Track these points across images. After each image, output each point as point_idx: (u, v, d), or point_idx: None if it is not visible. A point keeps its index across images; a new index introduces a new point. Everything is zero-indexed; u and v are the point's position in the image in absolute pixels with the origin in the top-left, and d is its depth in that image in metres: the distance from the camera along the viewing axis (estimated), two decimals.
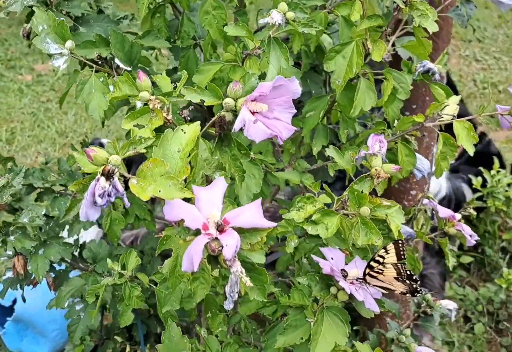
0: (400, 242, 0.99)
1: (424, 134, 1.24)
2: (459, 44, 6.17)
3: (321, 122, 1.12)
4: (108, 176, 0.65)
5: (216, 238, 0.71)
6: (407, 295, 1.00)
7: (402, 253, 1.00)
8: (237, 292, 0.74)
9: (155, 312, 1.58)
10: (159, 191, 0.65)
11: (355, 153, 0.96)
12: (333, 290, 0.95)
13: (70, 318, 1.33)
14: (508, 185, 2.96)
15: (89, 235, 2.48)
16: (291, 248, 1.01)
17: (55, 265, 1.33)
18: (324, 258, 0.96)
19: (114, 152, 0.69)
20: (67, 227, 1.40)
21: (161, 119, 0.81)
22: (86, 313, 1.29)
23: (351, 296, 0.93)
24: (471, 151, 1.07)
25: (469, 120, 1.10)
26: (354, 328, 1.69)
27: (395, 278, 0.97)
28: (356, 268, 0.96)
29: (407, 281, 0.96)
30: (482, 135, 3.31)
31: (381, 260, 0.99)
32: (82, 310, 1.31)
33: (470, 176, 2.88)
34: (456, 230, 1.38)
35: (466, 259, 3.19)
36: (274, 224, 0.72)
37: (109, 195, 0.66)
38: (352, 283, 0.94)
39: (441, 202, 2.94)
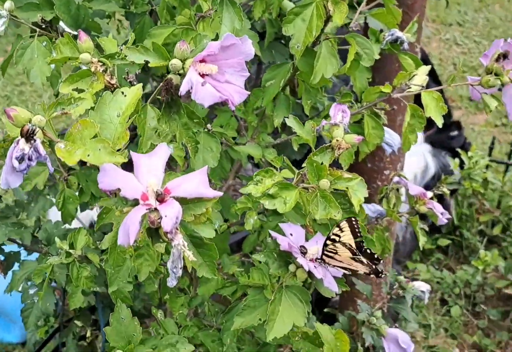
0: (353, 219, 0.94)
1: (394, 108, 1.18)
2: (439, 28, 6.12)
3: (284, 92, 1.06)
4: (28, 137, 0.59)
5: (156, 209, 0.65)
6: (371, 276, 0.95)
7: (357, 230, 0.94)
8: (180, 268, 0.68)
9: None
10: (88, 155, 0.59)
11: (316, 124, 0.90)
12: (291, 267, 0.89)
13: (25, 302, 1.27)
14: (486, 166, 2.93)
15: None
16: (250, 225, 0.95)
17: (7, 247, 1.27)
18: (284, 234, 0.90)
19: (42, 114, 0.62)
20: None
21: (102, 83, 0.75)
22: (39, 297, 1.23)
23: (310, 274, 0.88)
24: (439, 122, 1.01)
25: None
26: (325, 310, 1.64)
27: (351, 258, 0.91)
28: (317, 245, 0.90)
29: (365, 261, 0.91)
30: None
31: (337, 238, 0.93)
32: (36, 294, 1.25)
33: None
34: (427, 208, 1.33)
35: (444, 242, 3.16)
36: (219, 194, 0.65)
37: (29, 159, 0.60)
38: (312, 260, 0.89)
39: (430, 181, 2.90)
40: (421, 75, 1.08)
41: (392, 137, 1.27)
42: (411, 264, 3.07)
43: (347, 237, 0.94)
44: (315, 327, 0.88)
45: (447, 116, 3.43)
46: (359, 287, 1.60)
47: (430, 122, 3.02)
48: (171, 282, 0.69)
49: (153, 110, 0.81)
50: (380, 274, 0.95)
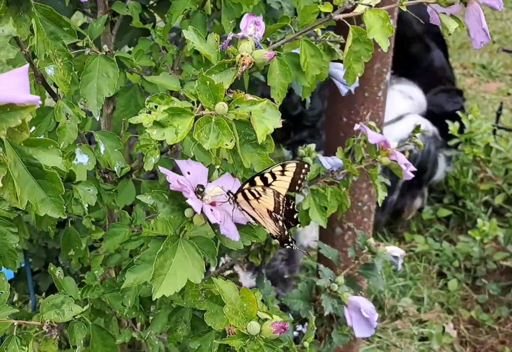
0: (306, 164, 0.78)
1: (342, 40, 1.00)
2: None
3: (200, 10, 0.89)
4: None
5: None
6: (275, 241, 0.79)
7: (300, 180, 0.78)
8: None
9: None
10: None
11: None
12: (188, 212, 0.73)
13: None
14: (494, 132, 2.74)
15: None
16: (151, 165, 0.79)
17: None
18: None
19: None
20: None
21: None
22: None
23: (211, 222, 0.72)
24: (385, 46, 0.84)
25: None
26: (286, 276, 1.48)
27: (268, 211, 0.75)
28: (222, 186, 0.74)
29: (280, 223, 0.75)
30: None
31: (270, 180, 0.77)
32: None
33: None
34: (390, 159, 1.16)
35: (444, 212, 2.99)
36: (35, 98, 0.49)
37: None
38: (213, 204, 0.73)
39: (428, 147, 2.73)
40: None
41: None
42: (409, 235, 2.90)
43: (282, 183, 0.78)
44: (214, 283, 0.72)
45: (450, 83, 3.25)
46: (323, 251, 1.44)
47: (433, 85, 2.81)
48: None
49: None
50: (288, 243, 0.80)
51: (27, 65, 0.51)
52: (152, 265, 0.76)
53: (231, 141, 0.64)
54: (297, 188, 0.77)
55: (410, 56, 3.00)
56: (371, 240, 1.42)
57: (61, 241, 0.97)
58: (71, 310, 0.79)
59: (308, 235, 2.42)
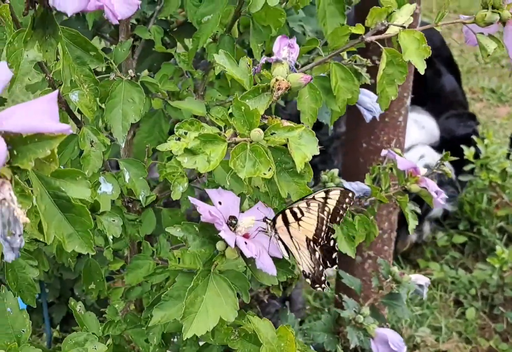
0: (350, 193, 0.73)
1: (375, 62, 0.97)
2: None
3: (227, 33, 0.86)
4: None
5: None
6: (307, 280, 0.74)
7: (343, 210, 0.73)
8: (19, 234, 0.48)
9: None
10: None
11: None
12: (220, 245, 0.69)
13: None
14: (507, 156, 2.69)
15: None
16: (178, 194, 0.75)
17: None
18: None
19: None
20: None
21: None
22: None
23: (245, 256, 0.68)
24: (421, 68, 0.80)
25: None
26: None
27: (307, 240, 0.71)
28: (255, 216, 0.70)
29: (317, 255, 0.71)
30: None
31: (312, 208, 0.73)
32: None
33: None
34: (420, 186, 1.12)
35: (459, 239, 2.93)
36: (66, 127, 0.46)
37: None
38: (246, 236, 0.69)
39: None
40: (404, 14, 0.87)
41: (372, 101, 1.06)
42: (423, 262, 2.84)
43: (326, 209, 0.73)
44: (251, 322, 0.67)
45: (462, 107, 3.22)
46: (346, 281, 1.39)
47: (444, 109, 2.77)
48: (7, 255, 0.49)
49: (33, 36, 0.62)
50: (320, 284, 0.75)
51: (57, 91, 0.48)
52: (181, 301, 0.72)
53: (269, 170, 0.61)
54: (338, 218, 0.73)
55: (421, 81, 2.97)
56: (395, 269, 1.37)
57: (82, 273, 0.93)
58: (95, 349, 0.75)
59: None
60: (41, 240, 0.80)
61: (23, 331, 0.71)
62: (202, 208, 0.66)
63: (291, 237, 0.72)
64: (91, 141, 0.75)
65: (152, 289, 0.97)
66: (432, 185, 1.09)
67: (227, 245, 0.69)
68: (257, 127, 0.64)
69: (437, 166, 1.23)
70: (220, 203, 0.69)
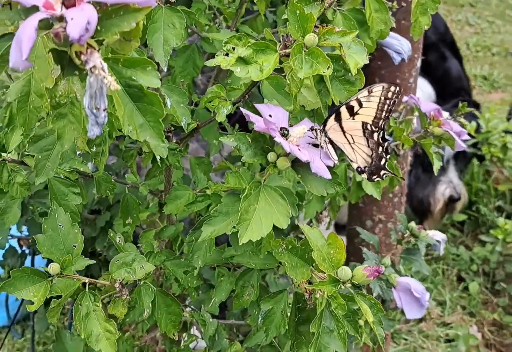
0: (393, 86, 0.73)
1: (402, 5, 0.99)
2: (451, 9, 5.90)
3: None
4: None
5: (61, 17, 0.46)
6: (362, 174, 0.75)
7: (388, 105, 0.73)
8: (104, 109, 0.49)
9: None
10: None
11: None
12: (271, 157, 0.69)
13: None
14: (505, 131, 2.72)
15: None
16: (223, 115, 0.76)
17: None
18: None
19: None
20: None
21: None
22: None
23: (295, 163, 0.69)
24: None
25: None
26: None
27: (364, 126, 0.72)
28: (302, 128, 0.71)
29: (376, 137, 0.71)
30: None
31: (356, 108, 0.74)
32: None
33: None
34: (443, 130, 1.13)
35: (459, 217, 2.96)
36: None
37: None
38: (297, 145, 0.70)
39: None
40: None
41: (400, 43, 1.08)
42: None
43: (368, 110, 0.74)
44: (301, 229, 0.68)
45: (467, 94, 3.23)
46: (364, 236, 1.40)
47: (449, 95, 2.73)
48: (92, 130, 0.49)
49: None
50: (377, 174, 0.76)
51: None
52: (229, 217, 0.73)
53: (328, 69, 0.62)
54: (385, 114, 0.73)
55: (427, 64, 2.97)
56: (413, 223, 1.39)
57: (120, 208, 0.93)
58: (143, 268, 0.75)
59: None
60: (82, 169, 0.80)
61: (75, 246, 0.72)
62: (254, 117, 0.67)
63: (343, 132, 0.73)
64: None
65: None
66: (455, 127, 1.11)
67: (278, 156, 0.70)
68: (311, 32, 0.65)
69: (454, 118, 1.25)
70: (270, 115, 0.70)
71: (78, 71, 0.48)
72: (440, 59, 3.02)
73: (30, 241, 1.37)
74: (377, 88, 0.73)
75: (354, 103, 0.72)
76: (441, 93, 2.95)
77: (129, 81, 0.54)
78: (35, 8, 0.46)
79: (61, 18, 0.46)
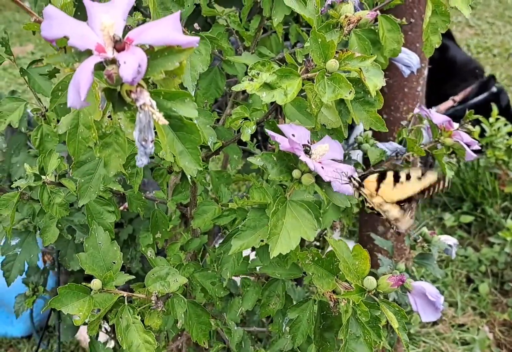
0: (445, 181, 0.79)
1: (411, 21, 1.03)
2: (450, 11, 5.95)
3: None
4: None
5: (113, 60, 0.50)
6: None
7: (431, 194, 0.79)
8: (151, 141, 0.53)
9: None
10: None
11: (321, 2, 0.75)
12: (295, 173, 0.74)
13: (5, 255, 1.13)
14: (509, 133, 2.75)
15: None
16: (247, 135, 0.81)
17: None
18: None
19: None
20: None
21: None
22: (22, 248, 1.08)
23: (318, 180, 0.73)
24: (466, 13, 0.86)
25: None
26: None
27: (397, 204, 0.77)
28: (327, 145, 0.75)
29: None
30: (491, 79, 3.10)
31: (402, 179, 0.79)
32: (19, 245, 1.11)
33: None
34: (454, 140, 1.17)
35: (467, 219, 2.99)
36: (195, 39, 0.51)
37: None
38: (320, 162, 0.74)
39: None
40: None
41: (409, 57, 1.13)
42: None
43: (412, 188, 0.79)
44: (328, 242, 0.73)
45: (481, 72, 3.27)
46: (378, 242, 1.45)
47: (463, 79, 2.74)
48: (141, 161, 0.54)
49: None
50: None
51: (179, 11, 0.53)
52: (256, 231, 0.77)
53: (349, 93, 0.66)
54: (424, 196, 0.79)
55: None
56: (425, 229, 1.43)
57: (150, 223, 0.98)
58: (176, 281, 0.80)
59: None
60: (115, 188, 0.85)
61: (114, 262, 0.77)
62: (279, 138, 0.72)
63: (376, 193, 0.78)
64: None
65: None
66: (466, 137, 1.15)
67: (302, 173, 0.75)
68: (332, 58, 0.69)
69: (461, 126, 1.29)
70: (293, 135, 0.74)
71: (127, 107, 0.53)
72: (443, 51, 3.09)
73: (53, 256, 1.41)
74: (431, 176, 0.78)
75: (403, 174, 0.77)
76: (457, 77, 3.01)
77: (169, 113, 0.59)
78: (88, 52, 0.51)
79: (113, 61, 0.50)
